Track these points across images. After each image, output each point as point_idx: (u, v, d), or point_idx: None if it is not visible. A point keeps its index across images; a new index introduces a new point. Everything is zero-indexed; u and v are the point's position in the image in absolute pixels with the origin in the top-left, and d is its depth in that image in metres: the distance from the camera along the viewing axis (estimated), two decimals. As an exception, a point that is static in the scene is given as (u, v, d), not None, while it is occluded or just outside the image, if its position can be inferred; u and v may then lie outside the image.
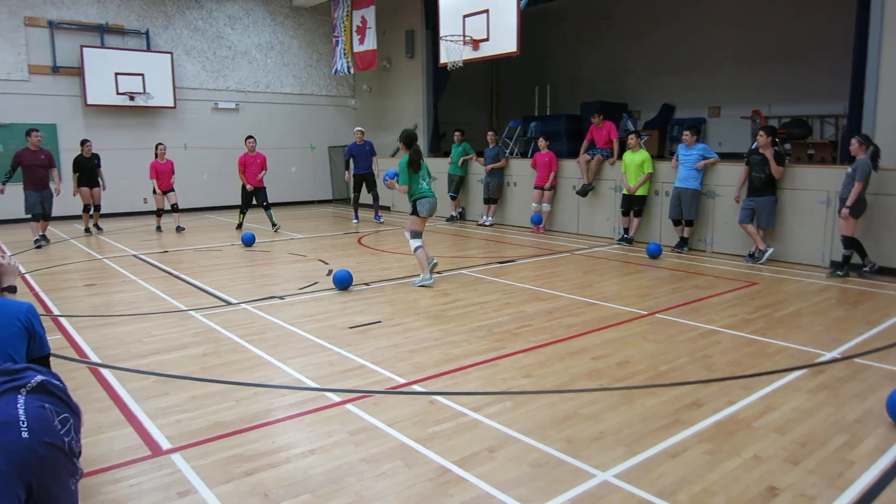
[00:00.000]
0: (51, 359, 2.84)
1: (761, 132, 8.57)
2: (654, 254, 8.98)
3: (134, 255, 9.43)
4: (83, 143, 11.94)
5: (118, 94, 14.31)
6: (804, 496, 2.85)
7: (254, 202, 12.25)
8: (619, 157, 10.56)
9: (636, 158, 10.03)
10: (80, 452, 2.14)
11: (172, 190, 12.22)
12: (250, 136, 12.46)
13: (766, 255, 8.55)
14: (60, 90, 13.96)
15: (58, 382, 2.17)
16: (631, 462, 3.15)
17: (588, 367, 4.52)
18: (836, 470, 3.09)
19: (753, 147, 8.78)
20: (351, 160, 13.42)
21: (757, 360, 4.68)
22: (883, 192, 7.68)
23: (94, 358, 4.82)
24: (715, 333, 5.36)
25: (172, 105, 15.13)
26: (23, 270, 8.20)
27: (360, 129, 13.60)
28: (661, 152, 13.74)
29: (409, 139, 7.29)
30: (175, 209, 12.19)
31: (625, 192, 10.22)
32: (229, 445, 3.36)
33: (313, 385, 4.20)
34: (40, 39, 13.65)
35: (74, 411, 2.22)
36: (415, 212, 7.25)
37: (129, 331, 5.55)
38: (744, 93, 13.17)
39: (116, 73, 14.22)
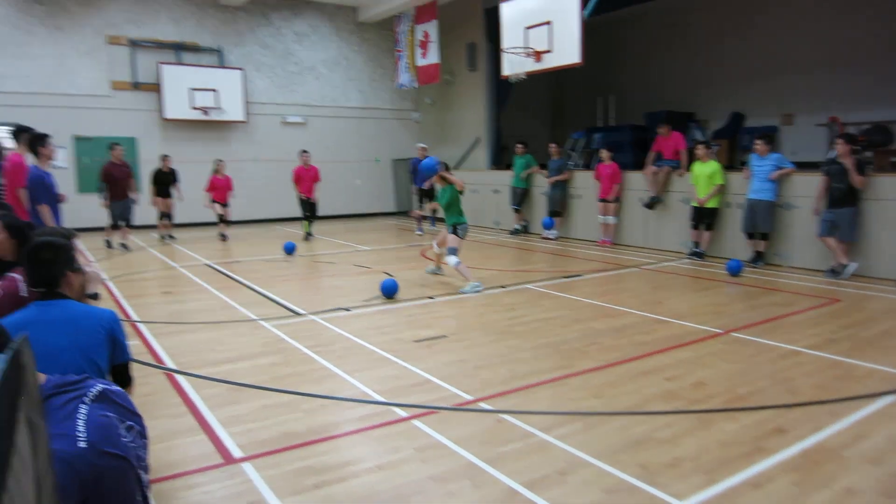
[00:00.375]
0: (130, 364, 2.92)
1: (840, 140, 8.18)
2: (735, 270, 8.55)
3: (207, 265, 9.71)
4: (163, 157, 12.54)
5: (193, 108, 14.87)
6: (904, 535, 2.65)
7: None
8: (688, 168, 10.27)
9: (706, 169, 9.72)
10: (146, 459, 2.12)
11: (227, 205, 12.85)
12: (305, 150, 13.09)
13: (849, 270, 8.12)
14: (140, 105, 14.61)
15: (117, 389, 2.15)
16: (711, 491, 3.00)
17: (661, 388, 4.37)
18: (938, 507, 2.87)
19: (831, 156, 8.39)
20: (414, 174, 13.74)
21: (844, 384, 4.42)
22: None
23: (170, 364, 4.96)
24: (797, 354, 5.10)
25: (243, 119, 15.62)
26: (105, 277, 8.55)
27: (422, 145, 13.94)
28: (732, 162, 13.29)
29: (447, 167, 8.32)
30: (222, 220, 12.92)
31: (694, 204, 9.92)
32: (298, 457, 3.38)
33: (380, 399, 4.20)
34: (121, 57, 14.33)
35: (137, 416, 2.21)
36: (455, 232, 7.95)
37: (203, 339, 5.70)
38: (819, 99, 12.62)
39: (191, 89, 14.79)
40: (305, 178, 12.67)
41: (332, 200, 16.96)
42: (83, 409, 2.08)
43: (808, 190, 8.74)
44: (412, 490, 3.04)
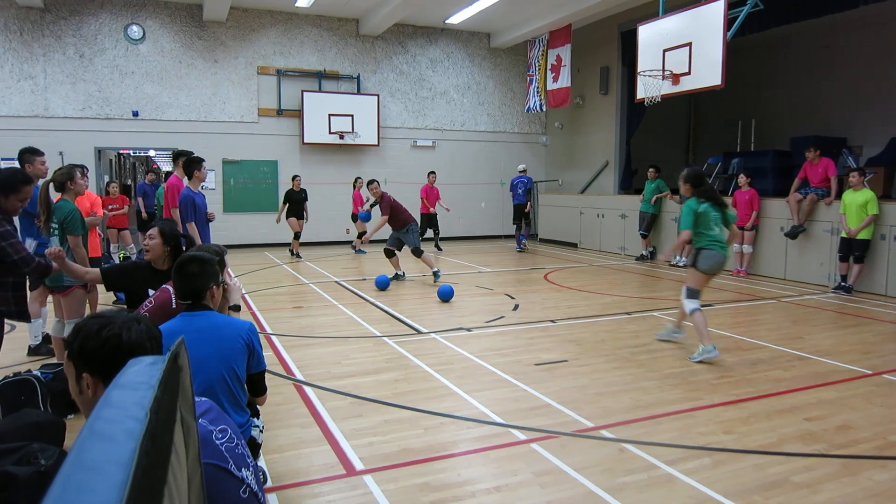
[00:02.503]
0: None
1: None
2: None
3: (336, 281, 10.15)
4: (294, 178, 13.45)
5: (330, 133, 15.68)
6: None
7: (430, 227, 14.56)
8: (838, 196, 9.54)
9: (858, 198, 8.99)
10: (250, 457, 1.98)
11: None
12: (432, 172, 14.94)
13: None
14: (282, 130, 15.62)
15: (204, 399, 2.02)
16: (856, 544, 2.75)
17: (800, 429, 4.06)
18: None
19: None
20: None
21: None
22: None
23: (298, 376, 5.21)
24: (961, 402, 4.57)
25: (376, 143, 16.27)
26: (244, 291, 9.17)
27: (522, 166, 15.32)
28: (888, 192, 12.18)
29: (696, 178, 5.99)
30: (359, 235, 14.25)
31: (844, 234, 9.19)
32: (417, 473, 3.44)
33: (499, 420, 4.20)
34: (268, 85, 15.43)
35: (227, 418, 2.07)
36: (695, 263, 5.94)
37: (330, 352, 5.95)
38: None
39: (330, 115, 15.62)
40: (431, 195, 14.63)
41: (456, 222, 17.26)
42: None
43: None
44: (529, 513, 3.01)
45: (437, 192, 14.75)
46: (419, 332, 6.70)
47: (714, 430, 4.05)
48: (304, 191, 13.44)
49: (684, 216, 5.92)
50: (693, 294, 5.92)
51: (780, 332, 6.83)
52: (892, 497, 3.17)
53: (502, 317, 7.47)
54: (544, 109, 16.46)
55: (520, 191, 14.86)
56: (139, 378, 0.92)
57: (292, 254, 13.50)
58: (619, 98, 15.33)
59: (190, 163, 6.88)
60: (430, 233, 14.59)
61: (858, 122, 13.84)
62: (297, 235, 13.43)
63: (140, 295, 3.83)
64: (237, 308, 3.40)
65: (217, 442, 1.86)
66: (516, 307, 8.06)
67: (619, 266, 12.31)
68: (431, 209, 14.62)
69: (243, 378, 2.89)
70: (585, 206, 15.48)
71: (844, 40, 13.90)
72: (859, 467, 3.51)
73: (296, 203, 13.29)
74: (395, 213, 9.83)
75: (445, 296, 8.44)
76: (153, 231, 4.02)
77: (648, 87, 11.11)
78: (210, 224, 7.16)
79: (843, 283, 9.26)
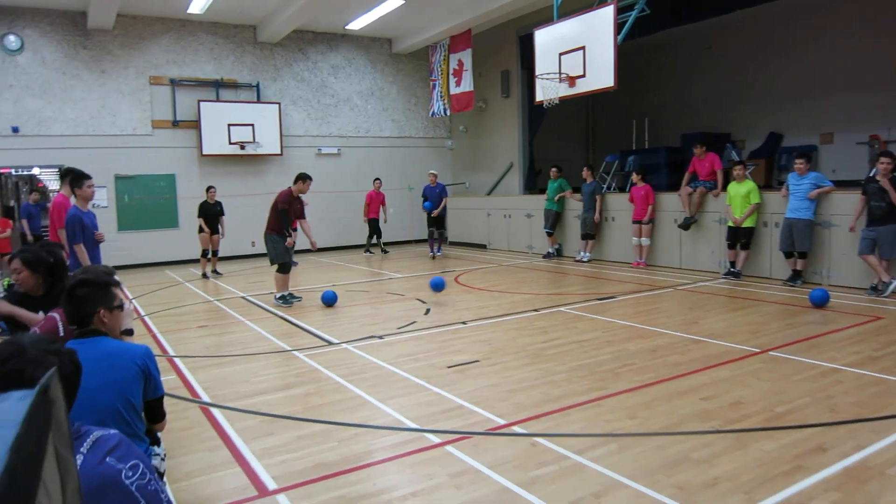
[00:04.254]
0: (165, 399, 2.97)
1: (883, 158, 8.02)
2: (821, 302, 7.51)
3: (242, 297, 9.89)
4: (208, 189, 12.52)
5: (230, 143, 15.24)
6: (953, 558, 2.56)
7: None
8: (724, 188, 10.16)
9: (742, 189, 9.61)
10: (164, 492, 1.90)
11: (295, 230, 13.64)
12: (377, 178, 15.61)
13: (891, 287, 7.91)
14: (179, 142, 15.03)
15: (112, 432, 1.91)
16: (749, 513, 2.94)
17: (697, 408, 4.29)
18: None
19: (871, 174, 8.22)
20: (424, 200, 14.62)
21: (887, 401, 4.29)
22: None
23: (204, 397, 5.04)
24: (837, 372, 4.97)
25: (279, 152, 15.95)
26: (143, 313, 8.78)
27: (433, 171, 14.84)
28: (769, 182, 13.10)
29: None
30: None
31: (731, 224, 9.79)
32: (332, 486, 3.40)
33: (413, 426, 4.21)
34: (162, 96, 14.81)
35: (138, 453, 1.96)
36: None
37: (238, 371, 5.79)
38: (859, 117, 12.41)
39: (229, 125, 15.18)
40: (375, 201, 15.25)
41: (365, 229, 17.18)
42: (77, 462, 1.81)
43: (847, 208, 8.57)
44: (445, 515, 3.04)
45: (384, 197, 15.38)
46: (330, 344, 6.62)
47: (619, 416, 4.22)
48: (219, 203, 12.53)
49: None
50: None
51: (678, 318, 7.20)
52: (780, 464, 3.40)
53: (414, 322, 7.50)
54: (448, 114, 16.65)
55: (431, 198, 14.41)
56: (6, 416, 0.88)
57: (205, 276, 12.21)
58: (520, 101, 15.71)
59: (73, 180, 6.52)
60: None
61: (740, 118, 14.81)
62: (204, 253, 12.35)
63: (21, 325, 3.61)
64: (129, 332, 3.25)
65: (127, 482, 1.77)
66: (428, 311, 8.11)
67: (527, 264, 12.60)
68: (376, 216, 15.29)
69: (139, 406, 2.75)
70: (492, 208, 15.76)
71: (725, 42, 14.84)
72: (750, 439, 3.75)
73: (211, 217, 12.30)
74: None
75: (329, 300, 8.73)
76: (16, 264, 3.80)
77: (547, 90, 11.43)
78: (101, 244, 6.78)
79: (732, 269, 9.86)
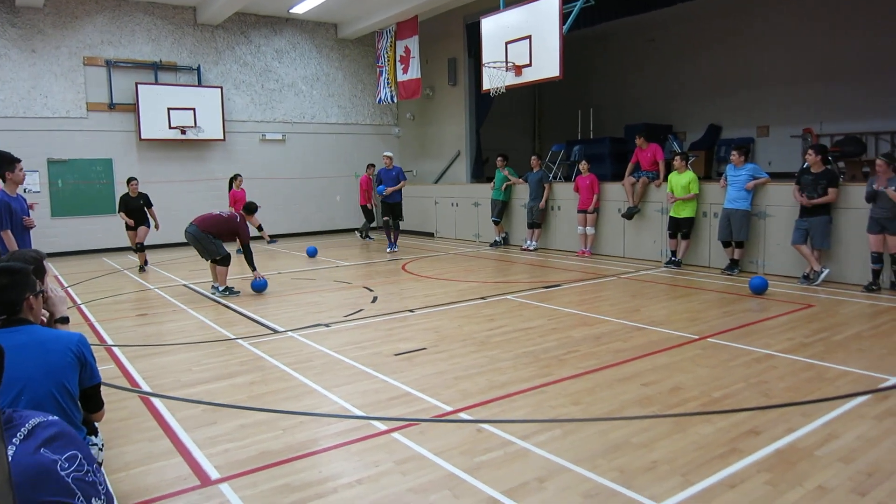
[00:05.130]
0: (103, 389, 2.88)
1: (811, 150, 8.35)
2: (759, 289, 7.87)
3: (184, 285, 9.64)
4: (129, 181, 11.26)
5: (170, 128, 14.79)
6: (874, 531, 2.70)
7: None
8: (665, 178, 10.40)
9: (682, 180, 9.86)
10: (103, 484, 1.82)
11: None
12: (371, 164, 15.30)
13: (822, 276, 8.26)
14: (116, 126, 14.50)
15: (53, 418, 1.81)
16: (687, 493, 3.04)
17: (638, 394, 4.40)
18: (908, 503, 2.92)
19: (804, 166, 8.54)
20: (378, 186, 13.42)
21: (817, 386, 4.48)
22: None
23: (144, 387, 4.90)
24: (771, 358, 5.17)
25: (222, 138, 15.56)
26: (78, 301, 8.47)
27: (388, 154, 13.70)
28: (709, 173, 13.50)
29: None
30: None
31: (672, 214, 10.04)
32: (277, 475, 3.36)
33: (359, 413, 4.19)
34: (98, 78, 14.25)
35: (79, 442, 1.87)
36: None
37: (179, 360, 5.65)
38: (794, 111, 12.91)
39: (169, 108, 14.71)
40: (369, 187, 14.83)
41: (311, 216, 16.97)
42: (9, 452, 1.71)
43: (782, 199, 8.89)
44: (392, 503, 3.04)
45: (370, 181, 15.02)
46: (275, 332, 6.52)
47: (564, 402, 4.29)
48: (143, 196, 11.21)
49: None
50: None
51: (621, 306, 7.36)
52: (716, 447, 3.52)
53: (361, 310, 7.45)
54: (395, 101, 16.54)
55: (386, 181, 13.21)
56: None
57: (141, 269, 11.22)
58: (467, 89, 15.72)
59: (1, 163, 6.21)
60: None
61: (682, 111, 15.19)
62: (137, 248, 11.25)
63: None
64: (65, 320, 3.12)
65: (62, 473, 1.70)
66: (375, 299, 8.07)
67: (474, 253, 12.67)
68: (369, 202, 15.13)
69: (76, 394, 2.66)
70: (440, 196, 15.77)
71: (668, 35, 15.15)
72: (688, 423, 3.87)
73: (133, 211, 11.09)
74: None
75: (259, 287, 8.68)
76: None
77: (493, 79, 11.47)
78: (31, 231, 6.48)
79: (673, 258, 10.13)
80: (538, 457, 3.46)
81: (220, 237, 8.60)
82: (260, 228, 12.50)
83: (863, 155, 11.12)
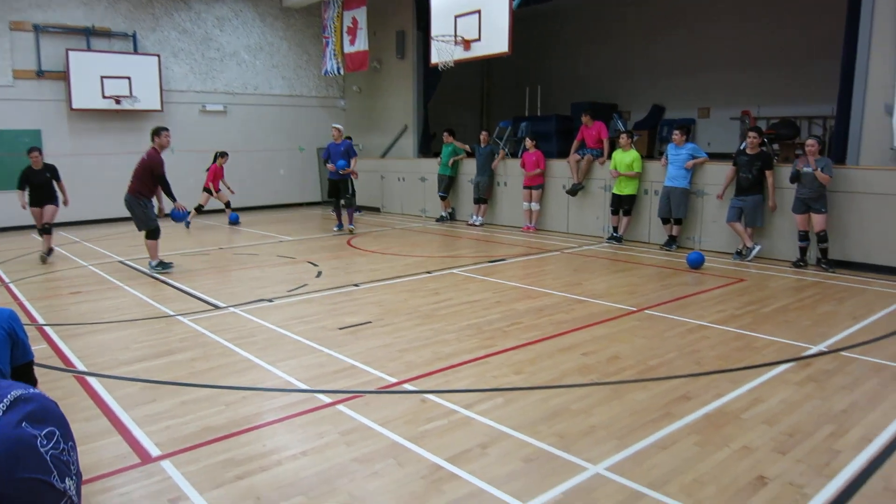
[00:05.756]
0: (36, 369, 2.80)
1: (751, 133, 8.63)
2: (697, 263, 8.09)
3: (120, 261, 9.37)
4: (30, 151, 9.58)
5: (104, 97, 14.20)
6: (792, 485, 2.87)
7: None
8: (609, 156, 10.60)
9: (626, 158, 10.07)
10: (75, 463, 1.81)
11: (219, 191, 13.92)
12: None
13: (754, 252, 8.61)
14: (45, 95, 13.84)
15: (34, 392, 1.78)
16: (622, 455, 3.17)
17: (578, 363, 4.54)
18: (823, 459, 3.11)
19: (742, 147, 8.84)
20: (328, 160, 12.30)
21: (745, 355, 4.71)
22: (860, 191, 7.86)
23: (80, 366, 4.77)
24: (703, 329, 5.39)
25: (159, 108, 15.04)
26: (7, 280, 8.14)
27: (337, 125, 12.48)
28: (651, 152, 13.81)
29: None
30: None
31: (615, 191, 10.25)
32: (220, 450, 3.34)
33: (303, 387, 4.19)
34: (25, 44, 13.54)
35: (59, 417, 1.85)
36: None
37: (116, 338, 5.51)
38: (733, 94, 13.32)
39: (102, 77, 14.11)
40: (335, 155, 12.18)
41: (254, 190, 16.62)
42: None
43: (719, 178, 9.19)
44: (337, 473, 3.07)
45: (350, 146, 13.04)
46: (216, 308, 6.42)
47: (506, 372, 4.39)
48: (50, 168, 9.61)
49: None
50: None
51: (563, 280, 7.52)
52: (650, 412, 3.68)
53: (305, 285, 7.40)
54: (342, 73, 16.25)
55: (335, 156, 12.16)
56: None
57: (43, 260, 9.35)
58: (415, 63, 15.55)
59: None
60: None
61: (627, 90, 15.46)
62: (43, 229, 9.50)
63: None
64: None
65: (42, 450, 1.65)
66: (319, 274, 8.02)
67: (420, 228, 12.68)
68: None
69: (7, 372, 2.59)
70: (386, 171, 15.68)
71: (615, 15, 15.33)
72: (625, 391, 4.02)
73: (37, 187, 9.48)
74: None
75: (178, 218, 8.87)
76: None
77: (442, 52, 11.42)
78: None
79: (615, 234, 10.37)
80: (481, 424, 3.54)
81: (145, 187, 8.30)
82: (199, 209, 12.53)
83: (796, 138, 11.56)
